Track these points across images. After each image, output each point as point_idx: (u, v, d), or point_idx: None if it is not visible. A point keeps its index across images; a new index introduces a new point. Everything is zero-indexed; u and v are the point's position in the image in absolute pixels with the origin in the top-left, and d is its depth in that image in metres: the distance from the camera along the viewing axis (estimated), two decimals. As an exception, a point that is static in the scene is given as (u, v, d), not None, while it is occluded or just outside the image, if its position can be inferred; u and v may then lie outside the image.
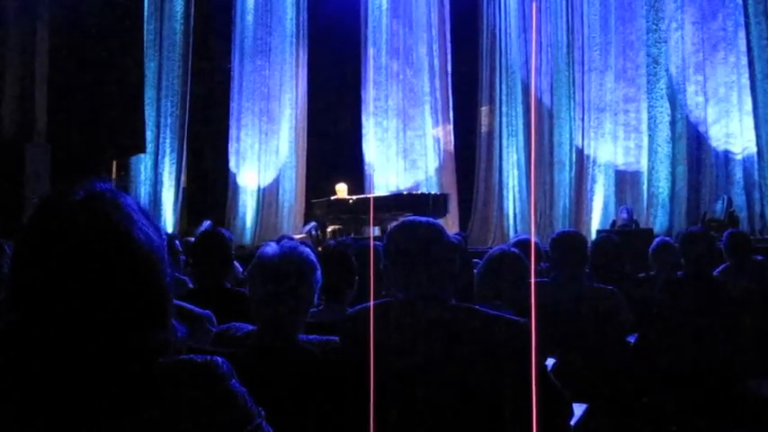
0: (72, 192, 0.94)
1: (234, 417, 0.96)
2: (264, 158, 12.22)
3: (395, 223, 2.08)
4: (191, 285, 3.37)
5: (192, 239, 6.20)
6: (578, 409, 2.19)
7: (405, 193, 10.70)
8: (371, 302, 1.83)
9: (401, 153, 11.88)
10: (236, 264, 4.11)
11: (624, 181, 10.40)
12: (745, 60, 9.57)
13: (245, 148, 12.27)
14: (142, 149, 10.15)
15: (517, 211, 11.32)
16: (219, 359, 0.98)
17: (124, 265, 0.92)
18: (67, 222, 0.91)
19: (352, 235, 9.41)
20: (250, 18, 12.38)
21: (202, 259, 3.11)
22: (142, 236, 0.94)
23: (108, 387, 0.90)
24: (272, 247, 1.88)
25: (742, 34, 9.59)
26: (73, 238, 0.90)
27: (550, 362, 2.42)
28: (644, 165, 10.20)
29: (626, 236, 7.05)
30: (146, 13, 10.69)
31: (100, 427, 0.89)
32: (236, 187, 12.25)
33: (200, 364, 0.96)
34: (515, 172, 11.39)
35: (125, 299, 0.91)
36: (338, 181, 10.72)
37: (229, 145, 12.29)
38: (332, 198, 10.51)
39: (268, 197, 12.19)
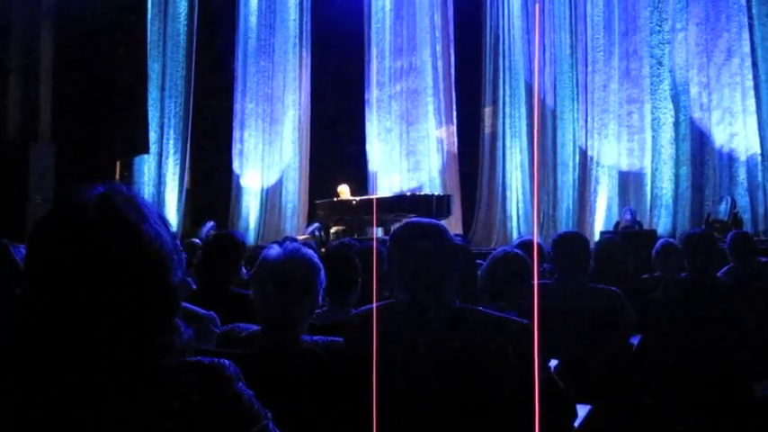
0: (88, 189, 0.96)
1: (241, 419, 0.96)
2: (268, 159, 12.23)
3: (398, 224, 2.08)
4: (194, 287, 3.36)
5: (196, 240, 6.22)
6: (582, 411, 2.20)
7: (408, 194, 10.69)
8: (375, 304, 1.83)
9: (404, 154, 11.87)
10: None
11: (627, 182, 10.37)
12: (749, 62, 9.54)
13: (248, 149, 12.27)
14: (146, 150, 10.17)
15: (520, 212, 11.29)
16: (227, 362, 0.98)
17: (136, 262, 0.93)
18: (83, 218, 0.92)
19: (356, 236, 9.40)
20: (253, 19, 12.39)
21: (212, 261, 3.10)
22: (154, 233, 0.95)
23: (114, 386, 0.90)
24: (275, 250, 1.88)
25: (746, 35, 9.57)
26: (88, 233, 0.91)
27: (554, 363, 2.43)
28: (647, 166, 10.18)
29: (629, 237, 7.03)
30: (149, 14, 10.72)
31: (106, 427, 0.89)
32: (239, 188, 12.25)
33: (207, 366, 0.96)
34: (518, 173, 11.37)
35: (135, 296, 0.92)
36: (341, 182, 10.72)
37: (233, 146, 12.29)
38: (335, 199, 10.49)
39: (271, 198, 12.19)
